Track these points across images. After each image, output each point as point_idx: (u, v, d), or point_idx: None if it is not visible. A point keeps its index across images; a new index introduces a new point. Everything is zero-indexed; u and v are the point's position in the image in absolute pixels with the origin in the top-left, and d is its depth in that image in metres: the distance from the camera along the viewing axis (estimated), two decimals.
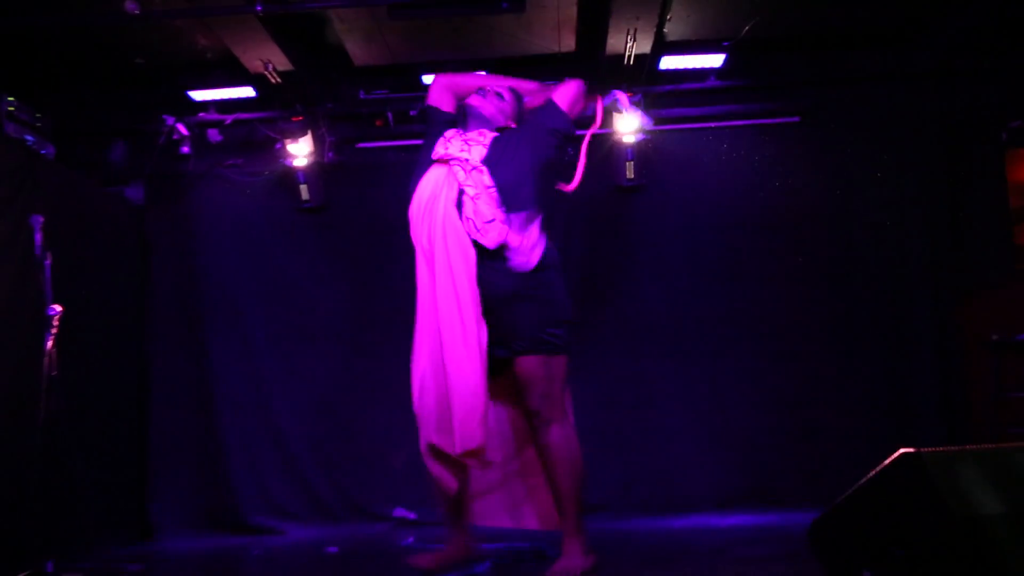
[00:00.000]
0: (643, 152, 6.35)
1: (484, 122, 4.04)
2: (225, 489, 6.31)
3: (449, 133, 4.00)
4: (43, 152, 5.42)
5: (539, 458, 3.98)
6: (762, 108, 6.46)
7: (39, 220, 4.46)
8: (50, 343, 4.33)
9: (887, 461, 2.57)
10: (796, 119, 6.47)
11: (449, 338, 3.68)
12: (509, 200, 3.78)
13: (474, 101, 4.09)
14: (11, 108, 5.23)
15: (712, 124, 6.46)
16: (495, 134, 3.99)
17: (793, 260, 6.32)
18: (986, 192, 6.38)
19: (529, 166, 3.87)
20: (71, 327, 4.59)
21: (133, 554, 5.33)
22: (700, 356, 6.33)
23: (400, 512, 6.20)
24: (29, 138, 5.34)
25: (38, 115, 5.46)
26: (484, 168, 3.80)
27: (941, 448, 2.62)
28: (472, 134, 3.95)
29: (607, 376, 6.34)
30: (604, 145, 6.24)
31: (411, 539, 5.37)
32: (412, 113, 6.44)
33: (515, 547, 4.51)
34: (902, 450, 2.56)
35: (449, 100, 4.21)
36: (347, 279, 6.53)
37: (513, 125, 4.15)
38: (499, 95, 4.15)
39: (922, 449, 2.55)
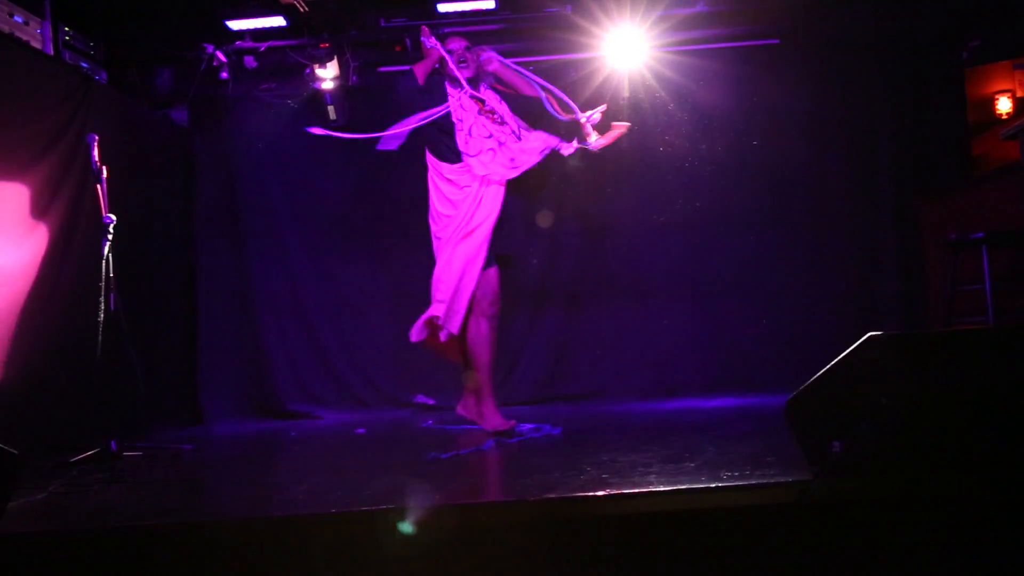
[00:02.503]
0: (635, 74, 6.23)
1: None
2: (266, 380, 6.37)
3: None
4: (96, 77, 5.34)
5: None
6: (744, 31, 6.30)
7: (95, 138, 4.41)
8: (106, 249, 4.31)
9: (856, 344, 2.55)
10: (776, 41, 6.33)
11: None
12: None
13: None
14: (67, 37, 5.16)
15: (698, 47, 6.31)
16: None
17: (772, 170, 6.25)
18: (947, 107, 6.28)
19: None
20: (125, 235, 4.57)
21: (185, 436, 5.39)
22: (689, 259, 6.31)
23: (421, 398, 6.25)
24: (84, 64, 5.27)
25: (91, 43, 5.38)
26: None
27: (903, 332, 2.61)
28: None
29: (604, 279, 6.34)
30: (604, 66, 6.11)
31: (430, 421, 5.42)
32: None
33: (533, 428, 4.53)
34: (869, 333, 2.54)
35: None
36: (370, 191, 6.49)
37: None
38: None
39: (886, 332, 2.55)
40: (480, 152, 4.54)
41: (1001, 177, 5.24)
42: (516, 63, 4.93)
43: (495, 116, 4.62)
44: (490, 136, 4.56)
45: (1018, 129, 2.92)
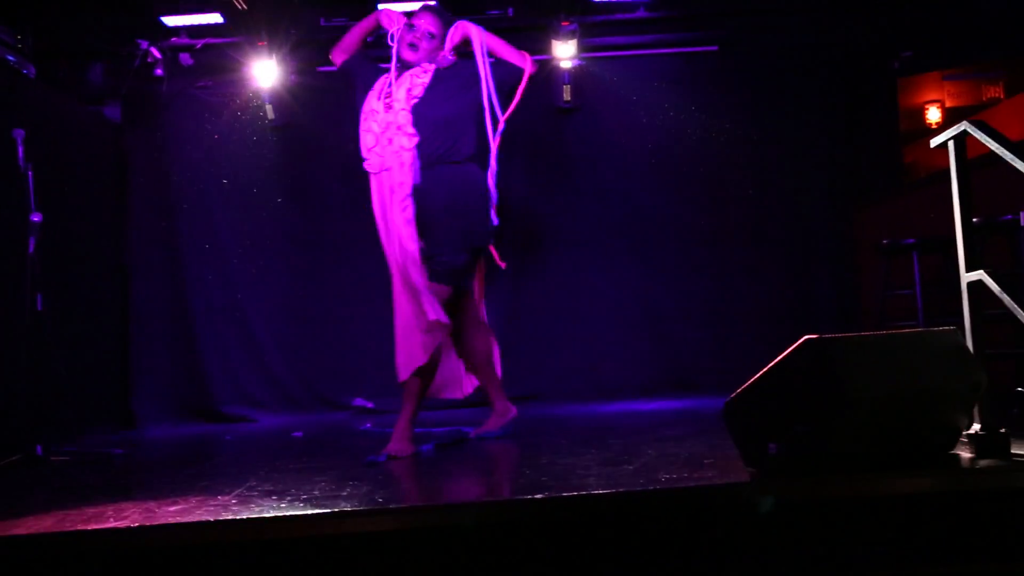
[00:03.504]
0: (579, 77, 6.26)
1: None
2: (201, 383, 6.26)
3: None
4: (24, 71, 5.19)
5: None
6: (685, 38, 6.39)
7: (21, 134, 4.28)
8: (32, 247, 4.19)
9: (792, 347, 2.57)
10: (715, 48, 6.41)
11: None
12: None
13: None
14: None
15: (640, 52, 6.38)
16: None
17: (710, 176, 6.34)
18: (879, 116, 6.44)
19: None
20: (53, 235, 4.45)
21: (116, 440, 5.26)
22: (628, 265, 6.37)
23: (359, 401, 6.18)
24: (11, 58, 5.12)
25: (19, 36, 5.23)
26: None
27: (838, 335, 2.65)
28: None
29: (543, 282, 6.35)
30: (543, 69, 6.12)
31: (368, 424, 5.36)
32: (368, 40, 6.24)
33: (453, 431, 4.52)
34: (806, 337, 2.56)
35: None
36: (309, 191, 6.42)
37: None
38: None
39: (822, 336, 2.58)
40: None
41: (931, 184, 5.37)
42: None
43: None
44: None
45: (947, 138, 2.98)
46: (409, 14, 4.24)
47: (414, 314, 3.78)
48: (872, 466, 2.52)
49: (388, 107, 3.97)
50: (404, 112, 3.94)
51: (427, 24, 4.12)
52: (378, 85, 4.07)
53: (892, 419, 2.59)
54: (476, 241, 4.01)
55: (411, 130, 3.92)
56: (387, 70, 4.08)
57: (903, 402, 2.57)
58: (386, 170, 3.93)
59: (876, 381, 2.54)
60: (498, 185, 4.10)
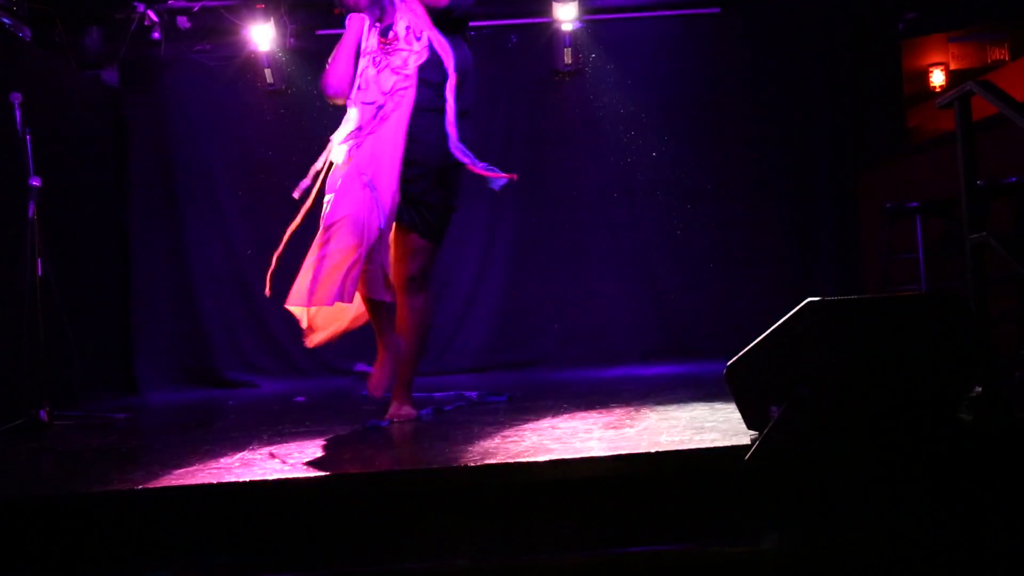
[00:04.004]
0: (579, 39, 6.21)
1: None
2: (203, 348, 6.27)
3: None
4: (20, 35, 5.14)
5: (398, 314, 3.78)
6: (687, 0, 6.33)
7: (18, 97, 4.26)
8: (32, 211, 4.18)
9: (795, 309, 2.56)
10: (717, 10, 6.35)
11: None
12: None
13: None
14: None
15: (642, 15, 6.31)
16: None
17: (712, 139, 6.30)
18: (882, 78, 6.37)
19: None
20: (53, 199, 4.43)
21: (119, 406, 5.27)
22: (629, 227, 6.34)
23: (360, 367, 6.15)
24: (6, 21, 5.06)
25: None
26: None
27: (841, 298, 2.64)
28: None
29: (546, 247, 6.33)
30: (545, 32, 6.08)
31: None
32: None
33: (456, 396, 4.51)
34: (808, 299, 2.55)
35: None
36: (309, 156, 6.35)
37: None
38: None
39: (824, 298, 2.57)
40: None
41: (935, 147, 5.33)
42: None
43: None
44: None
45: (953, 98, 2.95)
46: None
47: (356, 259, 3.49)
48: (874, 429, 2.53)
49: (390, 49, 3.71)
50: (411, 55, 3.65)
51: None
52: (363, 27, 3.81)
53: (893, 382, 2.59)
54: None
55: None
56: None
57: (905, 366, 2.57)
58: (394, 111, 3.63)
59: (878, 344, 2.54)
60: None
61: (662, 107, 6.30)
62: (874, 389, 2.57)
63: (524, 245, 6.33)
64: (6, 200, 4.59)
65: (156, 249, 6.32)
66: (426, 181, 3.65)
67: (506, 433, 3.08)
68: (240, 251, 6.35)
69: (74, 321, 4.76)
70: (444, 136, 3.58)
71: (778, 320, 2.63)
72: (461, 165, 3.60)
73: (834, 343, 2.49)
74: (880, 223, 5.13)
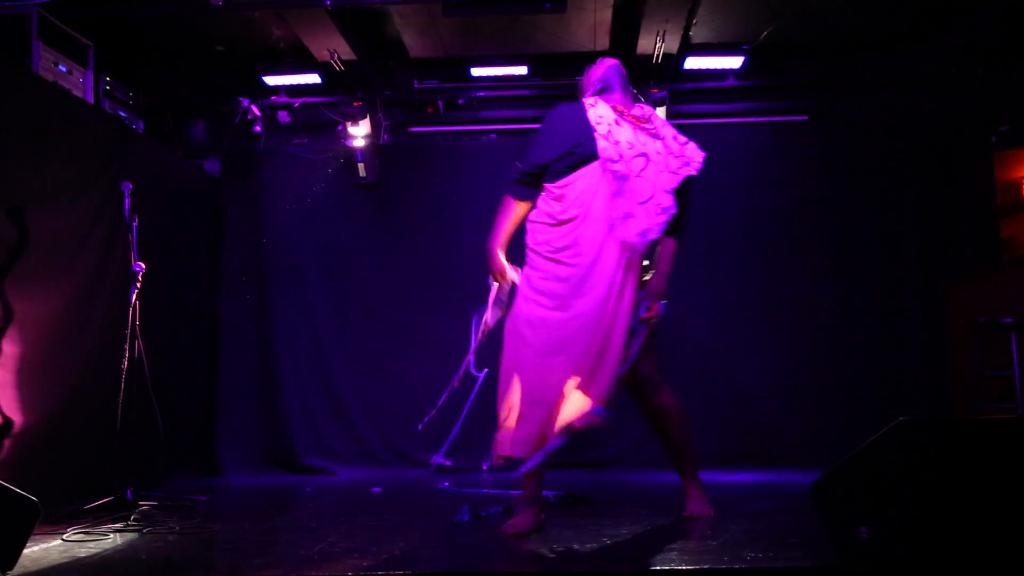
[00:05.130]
0: None
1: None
2: (283, 433, 6.34)
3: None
4: (134, 127, 5.44)
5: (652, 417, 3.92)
6: (775, 107, 6.41)
7: (128, 186, 4.45)
8: (134, 297, 4.34)
9: (887, 428, 2.52)
10: (805, 118, 6.39)
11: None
12: None
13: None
14: (108, 87, 5.29)
15: (730, 120, 6.38)
16: None
17: (799, 247, 6.26)
18: (975, 190, 6.29)
19: None
20: (153, 283, 4.60)
21: (200, 487, 5.36)
22: (711, 331, 6.27)
23: (438, 459, 6.19)
24: (122, 114, 5.38)
25: (131, 94, 5.51)
26: None
27: (935, 418, 2.59)
28: None
29: None
30: None
31: (447, 483, 5.37)
32: (460, 102, 6.49)
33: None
34: (900, 418, 2.51)
35: None
36: (397, 249, 6.52)
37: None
38: None
39: (918, 417, 2.52)
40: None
41: None
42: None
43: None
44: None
45: None
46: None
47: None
48: (966, 555, 2.44)
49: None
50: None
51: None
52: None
53: (986, 507, 2.51)
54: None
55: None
56: None
57: (998, 490, 2.49)
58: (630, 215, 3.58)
59: (971, 467, 2.47)
60: None
61: (748, 213, 6.28)
62: (966, 513, 2.49)
63: None
64: (112, 283, 4.79)
65: (244, 334, 6.47)
66: None
67: (585, 538, 3.05)
68: (324, 340, 6.46)
69: (162, 401, 4.89)
70: None
71: (861, 433, 2.58)
72: None
73: (926, 464, 2.43)
74: (972, 338, 5.01)
